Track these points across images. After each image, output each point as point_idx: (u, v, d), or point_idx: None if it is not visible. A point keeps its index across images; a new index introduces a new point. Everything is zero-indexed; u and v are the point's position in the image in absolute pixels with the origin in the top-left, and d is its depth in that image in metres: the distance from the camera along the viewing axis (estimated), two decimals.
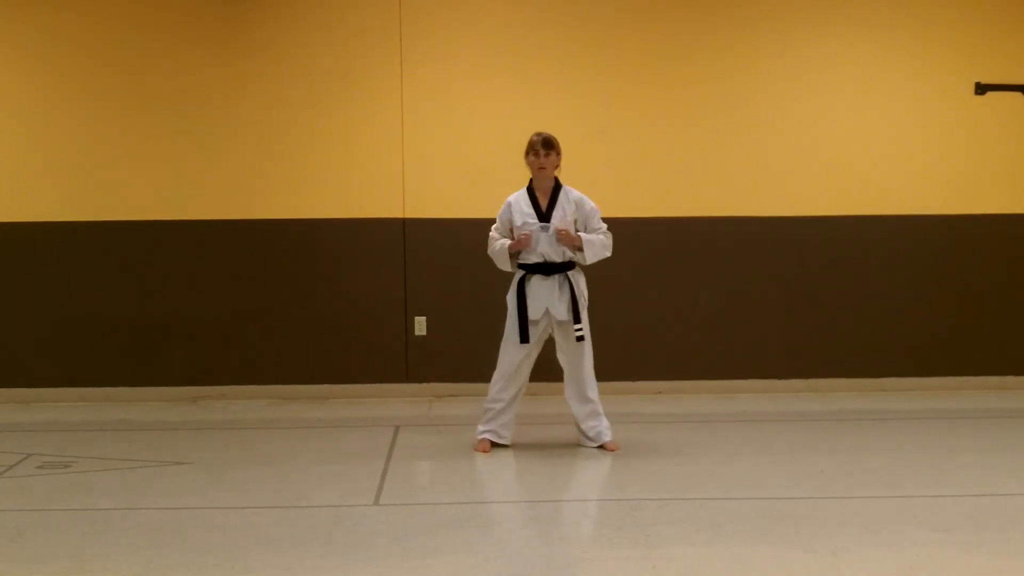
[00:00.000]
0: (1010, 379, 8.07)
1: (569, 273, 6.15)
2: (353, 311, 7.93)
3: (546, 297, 6.14)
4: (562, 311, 6.12)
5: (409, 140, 7.86)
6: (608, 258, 6.18)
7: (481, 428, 6.29)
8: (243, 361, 7.92)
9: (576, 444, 6.35)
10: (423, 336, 7.94)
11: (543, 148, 6.15)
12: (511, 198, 6.28)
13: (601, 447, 6.23)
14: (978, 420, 7.13)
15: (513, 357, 6.19)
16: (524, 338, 6.12)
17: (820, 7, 7.97)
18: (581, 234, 6.14)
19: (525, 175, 7.84)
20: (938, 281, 8.06)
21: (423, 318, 7.94)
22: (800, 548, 4.55)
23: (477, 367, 7.39)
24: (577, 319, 6.12)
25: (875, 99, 7.97)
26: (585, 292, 6.22)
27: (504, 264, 6.25)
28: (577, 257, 6.20)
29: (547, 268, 6.14)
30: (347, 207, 7.87)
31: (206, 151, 7.84)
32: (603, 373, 7.80)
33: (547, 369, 7.75)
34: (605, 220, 6.25)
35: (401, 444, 6.50)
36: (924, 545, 4.56)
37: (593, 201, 6.28)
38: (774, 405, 7.61)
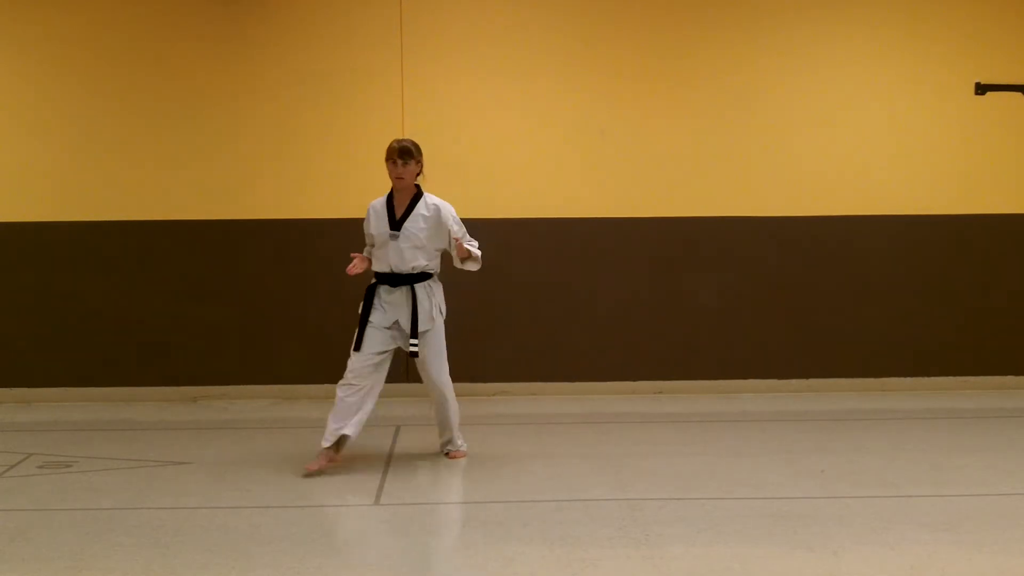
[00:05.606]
0: (1010, 379, 8.07)
1: (417, 286, 5.91)
2: (354, 311, 7.89)
3: (394, 308, 5.93)
4: (406, 323, 5.90)
5: None
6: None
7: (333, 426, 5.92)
8: (243, 361, 7.92)
9: (575, 444, 6.36)
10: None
11: (400, 157, 5.90)
12: (373, 204, 6.07)
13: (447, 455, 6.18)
14: (978, 420, 7.13)
15: (356, 362, 5.94)
16: (358, 346, 5.90)
17: (821, 7, 7.97)
18: (469, 247, 5.91)
19: (523, 175, 7.87)
20: (938, 281, 8.06)
21: None
22: (800, 548, 4.55)
23: (477, 367, 7.40)
24: (415, 334, 5.88)
25: (875, 99, 7.98)
26: (440, 304, 5.99)
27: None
28: (467, 266, 5.99)
29: (393, 279, 5.92)
30: (347, 207, 7.85)
31: (207, 151, 7.84)
32: (603, 373, 7.84)
33: (545, 370, 7.77)
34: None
35: (401, 444, 6.51)
36: (924, 545, 4.57)
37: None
38: (774, 405, 7.61)
